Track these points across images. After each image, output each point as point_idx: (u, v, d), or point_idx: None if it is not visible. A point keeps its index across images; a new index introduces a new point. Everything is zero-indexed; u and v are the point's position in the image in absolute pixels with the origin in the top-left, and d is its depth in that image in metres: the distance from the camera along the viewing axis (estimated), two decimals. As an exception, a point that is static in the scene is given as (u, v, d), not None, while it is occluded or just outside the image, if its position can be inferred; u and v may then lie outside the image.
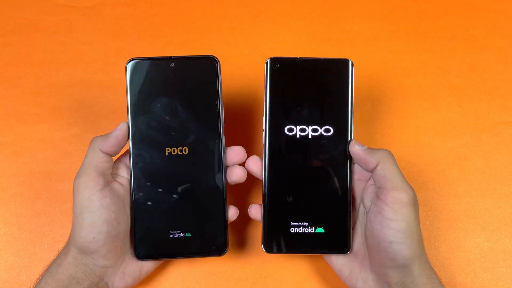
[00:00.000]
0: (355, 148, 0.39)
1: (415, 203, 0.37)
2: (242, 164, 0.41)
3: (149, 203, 0.40)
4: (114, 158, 0.40)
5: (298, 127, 0.40)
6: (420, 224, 0.38)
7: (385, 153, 0.38)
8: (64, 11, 0.55)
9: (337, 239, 0.40)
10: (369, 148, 0.39)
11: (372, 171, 0.38)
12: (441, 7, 0.56)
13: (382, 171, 0.37)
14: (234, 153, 0.41)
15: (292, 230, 0.40)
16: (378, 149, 0.39)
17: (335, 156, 0.40)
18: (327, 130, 0.40)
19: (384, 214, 0.36)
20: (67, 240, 0.40)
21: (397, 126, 0.51)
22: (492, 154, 0.49)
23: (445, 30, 0.55)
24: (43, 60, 0.53)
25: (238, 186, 0.47)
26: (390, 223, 0.36)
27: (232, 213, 0.41)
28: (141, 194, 0.40)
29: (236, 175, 0.40)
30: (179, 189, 0.40)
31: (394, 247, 0.36)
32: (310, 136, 0.40)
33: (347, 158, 0.40)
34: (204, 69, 0.40)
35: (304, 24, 0.55)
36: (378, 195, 0.38)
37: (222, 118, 0.40)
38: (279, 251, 0.40)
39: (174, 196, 0.40)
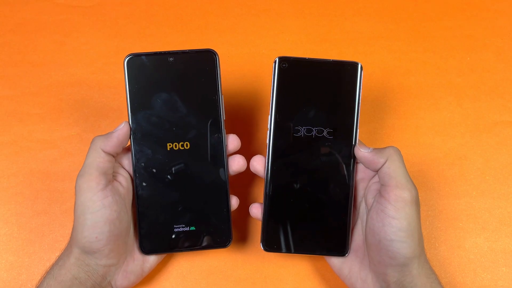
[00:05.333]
0: (361, 152, 0.39)
1: (417, 202, 0.37)
2: (239, 152, 0.42)
3: (153, 198, 0.40)
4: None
5: (303, 128, 0.40)
6: (420, 223, 0.38)
7: (393, 150, 0.38)
8: (64, 11, 0.55)
9: (336, 242, 0.40)
10: (375, 149, 0.39)
11: (379, 170, 0.38)
12: (441, 7, 0.56)
13: (388, 169, 0.37)
14: (228, 141, 0.41)
15: (291, 230, 0.40)
16: (384, 148, 0.39)
17: (339, 159, 0.40)
18: (331, 132, 0.40)
19: (386, 212, 0.36)
20: (67, 240, 0.40)
21: (397, 126, 0.51)
22: (492, 154, 0.49)
23: (445, 30, 0.55)
24: (43, 60, 0.53)
25: (238, 180, 0.47)
26: (392, 221, 0.36)
27: (233, 203, 0.41)
28: (144, 190, 0.40)
29: (237, 164, 0.41)
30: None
31: (394, 246, 0.36)
32: (314, 137, 0.40)
33: (350, 161, 0.40)
34: (203, 62, 0.40)
35: (304, 24, 0.55)
36: (381, 193, 0.38)
37: (223, 111, 0.40)
38: (277, 250, 0.41)
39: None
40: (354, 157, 0.40)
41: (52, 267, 0.38)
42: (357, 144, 0.40)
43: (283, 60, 0.40)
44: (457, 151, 0.50)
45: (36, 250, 0.46)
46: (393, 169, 0.37)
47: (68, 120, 0.50)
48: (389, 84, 0.52)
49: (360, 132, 0.49)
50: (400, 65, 0.53)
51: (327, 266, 0.42)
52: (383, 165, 0.38)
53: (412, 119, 0.51)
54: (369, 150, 0.39)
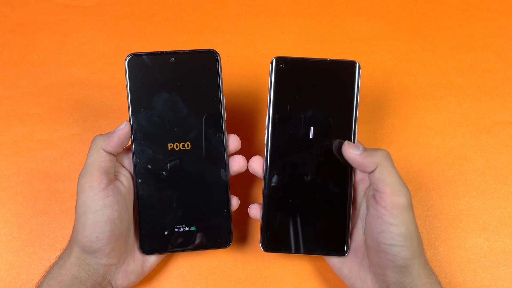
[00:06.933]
0: (350, 153, 0.38)
1: (411, 204, 0.37)
2: (239, 152, 0.42)
3: (153, 198, 0.40)
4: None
5: (301, 128, 0.40)
6: (418, 224, 0.37)
7: (383, 155, 0.37)
8: (64, 11, 0.55)
9: (335, 242, 0.40)
10: (365, 149, 0.38)
11: (369, 173, 0.38)
12: (441, 7, 0.56)
13: (380, 174, 0.37)
14: (229, 142, 0.41)
15: (290, 230, 0.40)
16: (375, 151, 0.38)
17: (337, 159, 0.40)
18: (329, 132, 0.40)
19: (384, 218, 0.36)
20: (67, 240, 0.40)
21: (397, 126, 0.51)
22: (492, 154, 0.49)
23: (445, 30, 0.55)
24: (43, 60, 0.53)
25: (238, 181, 0.47)
26: (390, 228, 0.36)
27: (233, 203, 0.41)
28: (145, 190, 0.40)
29: (238, 164, 0.41)
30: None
31: (393, 250, 0.36)
32: (312, 138, 0.40)
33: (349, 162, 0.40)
34: (204, 63, 0.40)
35: (304, 24, 0.55)
36: (376, 199, 0.37)
37: (224, 111, 0.40)
38: (277, 250, 0.41)
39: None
40: None
41: (52, 267, 0.38)
42: (345, 143, 0.39)
43: (280, 61, 0.40)
44: (457, 151, 0.50)
45: (36, 250, 0.46)
46: (386, 175, 0.36)
47: (68, 120, 0.50)
48: (389, 84, 0.52)
49: (360, 132, 0.49)
50: (400, 65, 0.53)
51: (327, 266, 0.42)
52: (374, 170, 0.37)
53: (412, 119, 0.51)
54: (359, 152, 0.38)
